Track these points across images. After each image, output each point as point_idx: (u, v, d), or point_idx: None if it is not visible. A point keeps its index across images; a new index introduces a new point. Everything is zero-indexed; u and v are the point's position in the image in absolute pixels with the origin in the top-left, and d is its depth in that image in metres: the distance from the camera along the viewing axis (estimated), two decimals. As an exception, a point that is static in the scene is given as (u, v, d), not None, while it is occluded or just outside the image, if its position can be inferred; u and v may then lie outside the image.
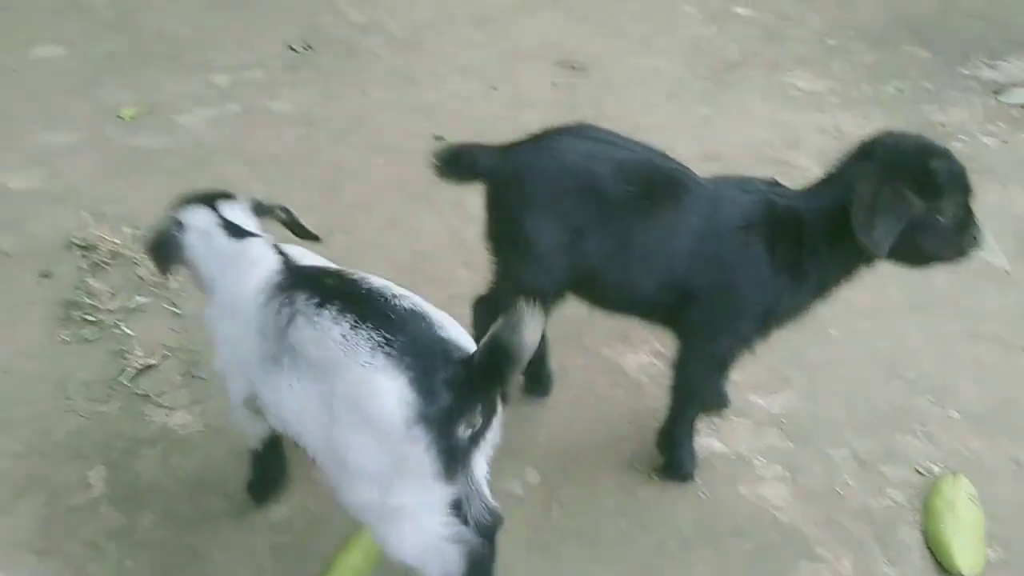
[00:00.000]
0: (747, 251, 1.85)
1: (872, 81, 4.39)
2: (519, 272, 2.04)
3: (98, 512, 2.03)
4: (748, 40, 4.84)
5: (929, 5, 5.37)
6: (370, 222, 3.17)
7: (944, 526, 2.08)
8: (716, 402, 2.33)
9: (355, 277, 1.63)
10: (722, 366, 2.08)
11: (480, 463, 1.60)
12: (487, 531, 1.64)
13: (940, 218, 1.73)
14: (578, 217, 1.90)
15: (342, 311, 1.51)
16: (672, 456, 2.15)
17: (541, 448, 2.25)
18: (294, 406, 1.57)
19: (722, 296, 1.89)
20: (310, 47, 4.58)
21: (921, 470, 2.22)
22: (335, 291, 1.57)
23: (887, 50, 4.75)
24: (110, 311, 2.64)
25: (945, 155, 1.76)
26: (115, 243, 2.94)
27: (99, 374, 2.43)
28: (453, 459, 1.45)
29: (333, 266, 1.74)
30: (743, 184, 1.93)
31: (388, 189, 3.36)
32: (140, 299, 2.70)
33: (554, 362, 2.43)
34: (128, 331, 2.58)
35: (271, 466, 1.97)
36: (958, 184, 1.75)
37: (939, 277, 2.94)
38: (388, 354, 1.43)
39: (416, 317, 1.51)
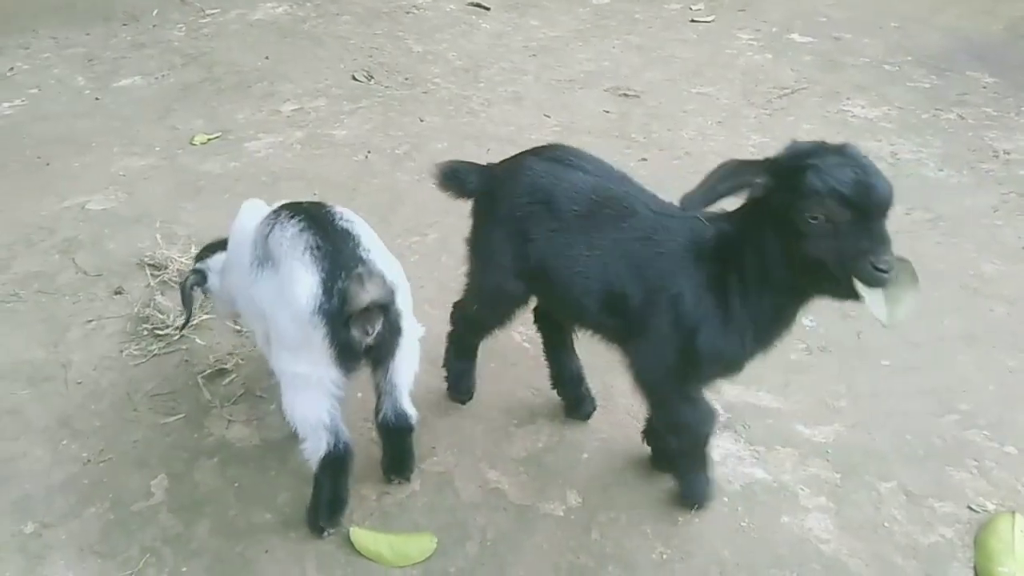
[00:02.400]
0: (672, 276, 1.83)
1: (932, 107, 4.31)
2: (481, 279, 2.20)
3: (157, 519, 2.13)
4: (804, 67, 4.82)
5: (995, 28, 5.25)
6: (423, 246, 3.27)
7: (1000, 567, 2.02)
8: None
9: (325, 205, 2.09)
10: (670, 401, 2.00)
11: (402, 373, 2.04)
12: (392, 427, 2.09)
13: (812, 220, 1.59)
14: (530, 232, 1.98)
15: (299, 220, 1.97)
16: (682, 484, 2.15)
17: (582, 471, 2.27)
18: (263, 294, 1.99)
19: (650, 320, 1.87)
20: (372, 77, 4.77)
21: (974, 507, 2.16)
22: (304, 210, 2.02)
23: (948, 75, 4.66)
24: (176, 328, 2.79)
25: (839, 162, 1.58)
26: (183, 263, 3.10)
27: (164, 387, 2.56)
28: (345, 352, 1.86)
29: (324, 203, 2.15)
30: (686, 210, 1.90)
31: (441, 214, 3.45)
32: (204, 317, 2.84)
33: (597, 385, 2.46)
34: (200, 341, 2.73)
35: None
36: (841, 193, 1.55)
37: (998, 308, 2.87)
38: (314, 256, 1.87)
39: (347, 235, 1.93)
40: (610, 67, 4.88)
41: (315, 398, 1.93)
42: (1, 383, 2.58)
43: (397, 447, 2.17)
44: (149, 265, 3.12)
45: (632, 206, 1.92)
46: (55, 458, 2.31)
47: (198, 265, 2.42)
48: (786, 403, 2.45)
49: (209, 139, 4.10)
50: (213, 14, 5.62)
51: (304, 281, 1.84)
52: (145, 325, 2.81)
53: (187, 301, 2.35)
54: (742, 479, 2.19)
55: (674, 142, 4.04)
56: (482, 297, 2.23)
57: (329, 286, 1.82)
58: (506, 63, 4.96)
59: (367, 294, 1.78)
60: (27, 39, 5.19)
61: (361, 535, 2.06)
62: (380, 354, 1.94)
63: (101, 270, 3.12)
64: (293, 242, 1.92)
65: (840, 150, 1.62)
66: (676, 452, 2.10)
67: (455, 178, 2.17)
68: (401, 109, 4.39)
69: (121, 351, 2.71)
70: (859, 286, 1.60)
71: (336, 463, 1.99)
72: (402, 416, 2.09)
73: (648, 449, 2.24)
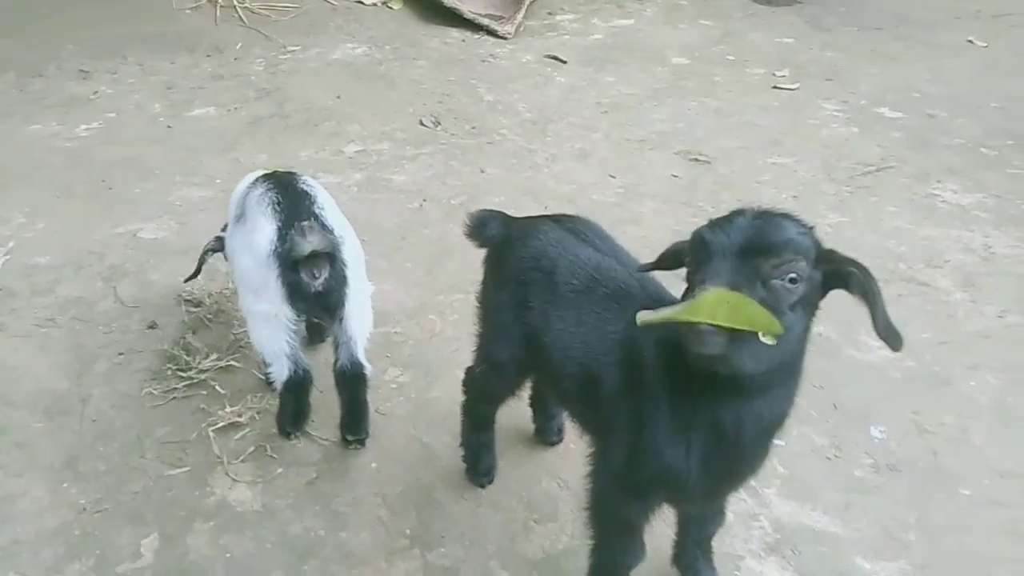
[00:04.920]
0: (640, 365, 1.62)
1: (1035, 198, 3.94)
2: (486, 340, 2.11)
3: (141, 584, 2.00)
4: (892, 144, 4.52)
5: (1111, 117, 4.83)
6: (465, 305, 3.11)
7: None
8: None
9: (294, 173, 2.46)
10: (608, 513, 1.80)
11: (355, 324, 2.33)
12: (347, 375, 2.36)
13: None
14: (529, 298, 1.88)
15: (268, 184, 2.35)
16: None
17: None
18: (236, 243, 2.38)
19: (612, 412, 1.67)
20: (439, 123, 4.71)
21: None
22: (275, 177, 2.41)
23: (1056, 164, 4.27)
24: (202, 370, 2.69)
25: (731, 216, 1.40)
26: (222, 296, 3.03)
27: (176, 434, 2.45)
28: (295, 292, 2.17)
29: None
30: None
31: (488, 272, 3.30)
32: (233, 362, 2.75)
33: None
34: (220, 390, 2.62)
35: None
36: (700, 236, 1.40)
37: (1104, 440, 2.50)
38: (275, 210, 2.24)
39: (305, 196, 2.31)
40: (684, 129, 4.69)
41: (275, 331, 2.26)
42: (19, 413, 2.53)
43: (352, 398, 2.38)
44: (186, 300, 3.06)
45: (629, 289, 1.75)
46: (52, 501, 2.22)
47: (221, 233, 2.75)
48: (845, 528, 2.16)
49: (268, 175, 4.08)
50: (294, 51, 5.70)
51: (264, 230, 2.20)
52: (170, 364, 2.73)
53: (200, 260, 2.76)
54: (786, 616, 1.92)
55: (744, 214, 3.79)
56: (487, 359, 2.12)
57: (283, 234, 2.16)
58: (576, 118, 4.83)
59: (308, 243, 2.10)
60: (116, 64, 5.36)
61: (350, 631, 1.88)
62: (330, 302, 2.23)
63: (139, 302, 3.08)
64: (260, 200, 2.29)
65: (743, 212, 1.42)
66: (590, 564, 1.87)
67: (481, 226, 2.12)
68: (463, 158, 4.30)
69: (142, 390, 2.63)
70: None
71: (297, 385, 2.34)
72: (357, 364, 2.35)
73: None
